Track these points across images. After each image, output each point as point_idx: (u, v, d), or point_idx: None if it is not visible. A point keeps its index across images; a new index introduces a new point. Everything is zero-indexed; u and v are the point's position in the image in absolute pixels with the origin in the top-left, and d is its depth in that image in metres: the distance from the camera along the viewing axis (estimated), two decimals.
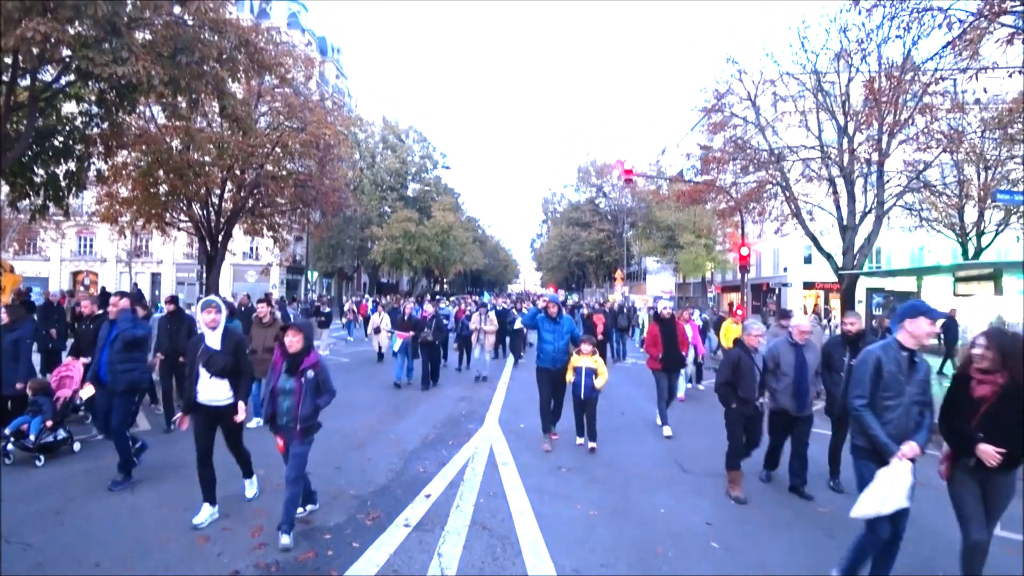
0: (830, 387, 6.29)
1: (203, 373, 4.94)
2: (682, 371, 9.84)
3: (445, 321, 14.30)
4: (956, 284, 10.87)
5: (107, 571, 4.04)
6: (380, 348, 15.90)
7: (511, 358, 16.71)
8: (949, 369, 11.32)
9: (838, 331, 7.30)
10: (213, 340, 5.00)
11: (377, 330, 15.19)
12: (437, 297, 39.00)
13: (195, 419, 5.00)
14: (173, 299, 8.70)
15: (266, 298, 10.57)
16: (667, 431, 8.35)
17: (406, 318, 12.45)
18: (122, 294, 6.77)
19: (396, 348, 12.26)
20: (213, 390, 4.95)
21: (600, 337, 13.35)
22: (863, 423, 3.83)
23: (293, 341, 4.63)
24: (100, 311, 7.92)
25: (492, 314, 14.29)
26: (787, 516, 5.43)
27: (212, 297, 5.40)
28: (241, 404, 5.01)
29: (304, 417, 4.60)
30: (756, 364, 6.02)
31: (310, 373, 4.64)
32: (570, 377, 7.54)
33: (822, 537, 4.98)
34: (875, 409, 3.82)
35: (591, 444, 7.44)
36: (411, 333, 12.05)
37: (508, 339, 17.38)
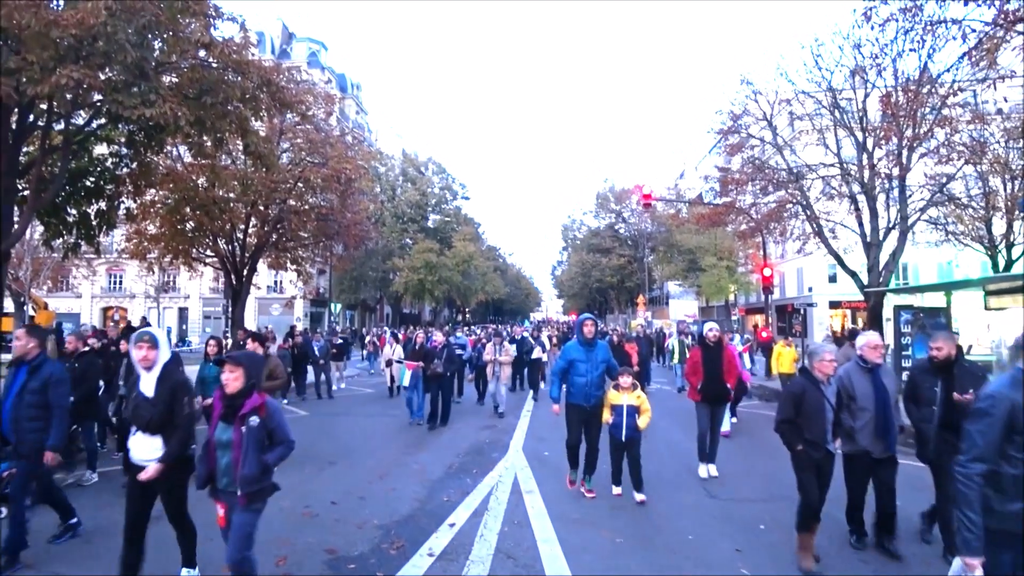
0: (918, 424, 5.14)
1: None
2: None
3: (460, 351, 13.41)
4: (987, 298, 10.59)
5: None
6: (392, 381, 15.10)
7: (531, 391, 15.37)
8: None
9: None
10: (147, 384, 4.06)
11: (389, 362, 14.54)
12: (455, 325, 39.08)
13: (128, 482, 4.08)
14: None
15: (289, 333, 10.59)
16: (710, 470, 7.43)
17: (416, 347, 11.77)
18: (30, 329, 5.20)
19: (406, 382, 11.38)
20: (142, 447, 3.99)
21: (636, 368, 11.91)
22: (965, 500, 2.65)
23: (229, 378, 3.69)
24: (86, 348, 7.52)
25: (509, 344, 13.52)
26: (820, 541, 5.25)
27: (146, 328, 4.38)
28: (154, 465, 3.88)
29: (247, 478, 3.60)
30: (828, 399, 4.84)
31: (254, 420, 3.66)
32: (607, 417, 6.55)
33: (857, 563, 4.82)
34: (1004, 478, 2.66)
35: (639, 496, 6.31)
36: (420, 364, 11.20)
37: (526, 370, 16.05)
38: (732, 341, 11.56)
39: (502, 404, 12.45)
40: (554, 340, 20.67)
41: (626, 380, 6.51)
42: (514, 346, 14.53)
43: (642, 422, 6.46)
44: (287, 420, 3.90)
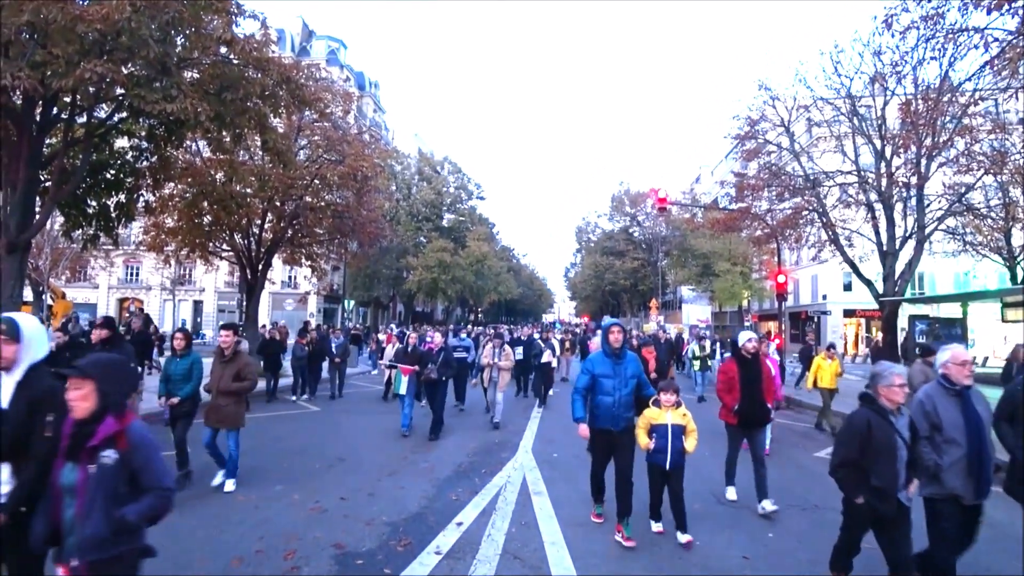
0: (1015, 451, 4.15)
1: None
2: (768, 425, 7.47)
3: (464, 354, 12.71)
4: (1004, 310, 10.46)
5: None
6: (388, 386, 14.02)
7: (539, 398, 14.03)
8: None
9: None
10: (3, 391, 2.92)
11: (391, 365, 13.60)
12: (458, 325, 39.05)
13: None
14: (107, 321, 7.12)
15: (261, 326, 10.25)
16: (764, 505, 6.21)
17: (409, 349, 10.50)
18: None
19: (402, 389, 10.08)
20: None
21: (653, 375, 10.27)
22: None
23: (75, 398, 2.51)
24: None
25: (509, 347, 12.15)
26: (829, 551, 5.22)
27: (8, 315, 3.15)
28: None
29: (89, 540, 2.44)
30: (900, 433, 3.85)
31: (107, 456, 2.48)
32: (645, 442, 5.40)
33: (866, 573, 4.78)
34: None
35: (684, 537, 5.21)
36: (415, 368, 10.07)
37: (533, 375, 14.84)
38: (769, 351, 9.84)
39: (498, 414, 11.18)
40: (566, 344, 20.38)
41: (669, 397, 5.44)
42: (520, 349, 13.90)
43: (689, 444, 5.39)
44: (162, 457, 2.71)
